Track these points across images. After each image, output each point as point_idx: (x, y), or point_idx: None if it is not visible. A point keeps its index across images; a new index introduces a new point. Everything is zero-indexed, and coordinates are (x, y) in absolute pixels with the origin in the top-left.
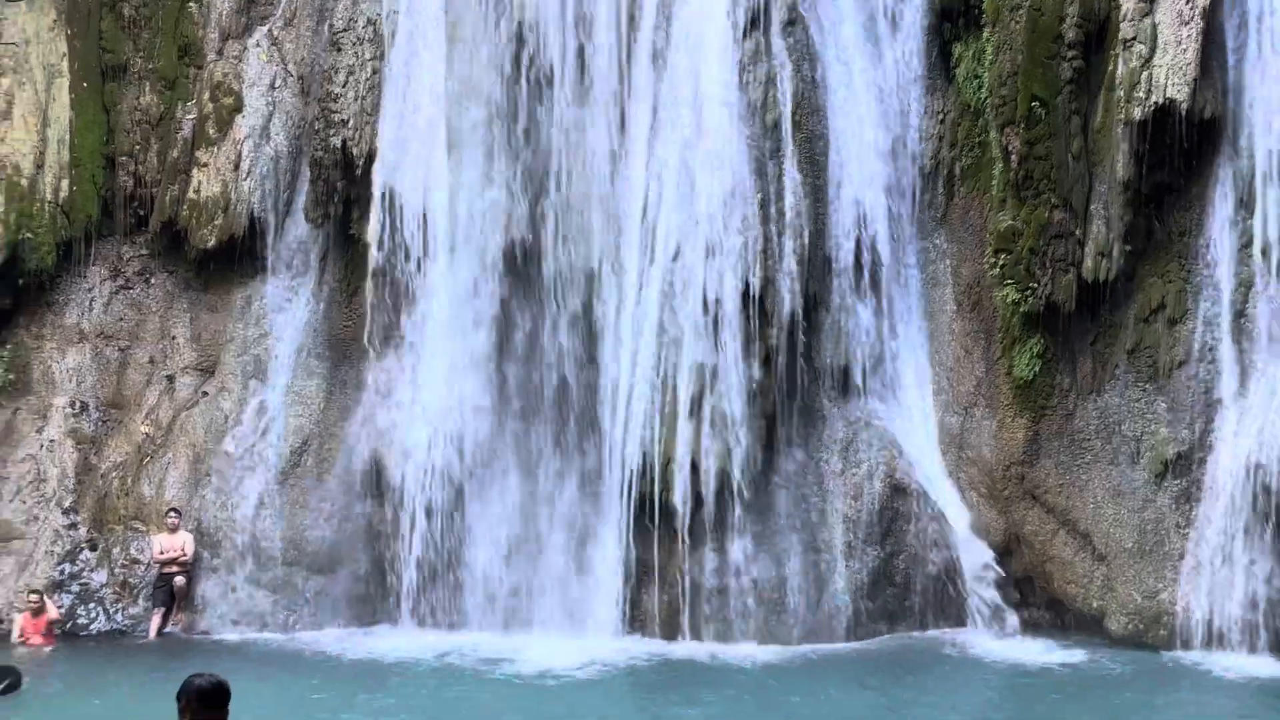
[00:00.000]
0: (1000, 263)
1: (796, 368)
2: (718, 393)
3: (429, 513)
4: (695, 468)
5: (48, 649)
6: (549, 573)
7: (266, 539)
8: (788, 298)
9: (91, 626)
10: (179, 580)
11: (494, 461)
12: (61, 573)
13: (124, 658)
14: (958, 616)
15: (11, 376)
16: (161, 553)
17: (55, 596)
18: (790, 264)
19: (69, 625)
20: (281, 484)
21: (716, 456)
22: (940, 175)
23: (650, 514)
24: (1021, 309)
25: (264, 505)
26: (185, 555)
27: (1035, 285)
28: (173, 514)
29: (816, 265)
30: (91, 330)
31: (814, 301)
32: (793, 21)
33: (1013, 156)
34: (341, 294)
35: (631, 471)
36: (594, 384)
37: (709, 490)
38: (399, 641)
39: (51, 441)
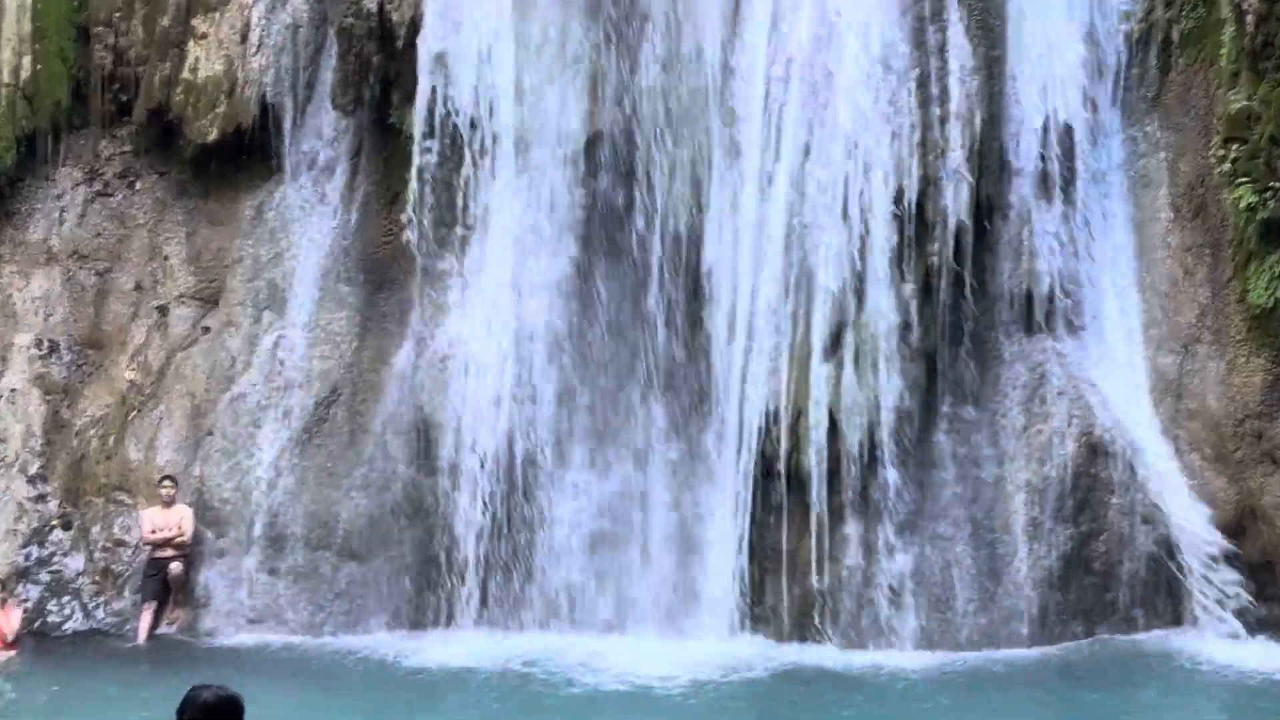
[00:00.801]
0: (1232, 155)
1: (964, 294)
2: (862, 327)
3: (494, 485)
4: (833, 423)
5: (6, 657)
6: (643, 560)
7: (286, 516)
8: (953, 204)
9: (65, 625)
10: (175, 567)
11: (575, 419)
12: (27, 558)
13: (106, 666)
14: (1175, 614)
15: None
16: (153, 532)
17: (20, 589)
18: (957, 159)
19: (37, 624)
20: (304, 445)
21: (860, 409)
22: (1153, 43)
23: (774, 484)
24: (1260, 215)
25: (282, 472)
26: (183, 535)
27: (1278, 184)
28: (167, 483)
29: (991, 162)
30: (62, 249)
31: (987, 209)
32: None
33: (1248, 17)
34: (379, 201)
35: (751, 429)
36: (701, 317)
37: (850, 452)
38: (457, 647)
39: (13, 391)
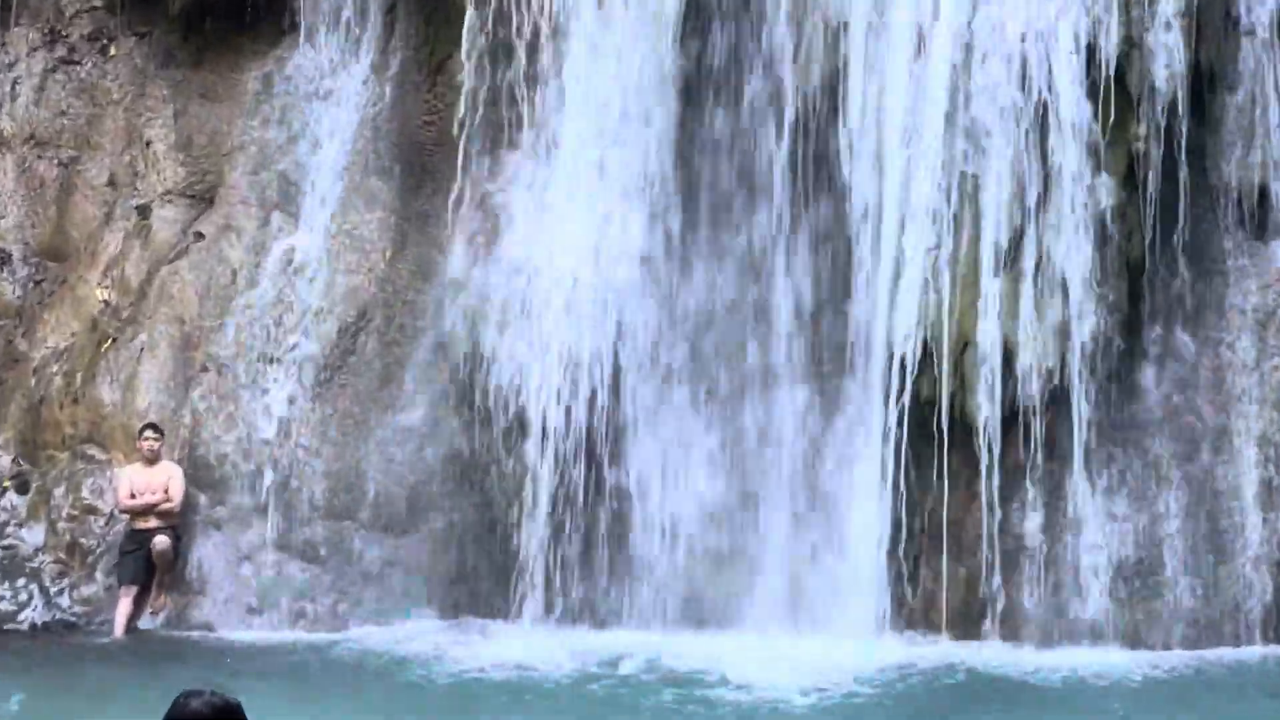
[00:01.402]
0: None
1: (1178, 187)
2: (1044, 231)
3: (569, 439)
4: (1008, 357)
5: None
6: (762, 537)
7: (301, 476)
8: (1164, 71)
9: (21, 616)
10: (160, 541)
11: (675, 353)
12: None
13: (72, 667)
14: None
15: None
16: (132, 496)
17: None
18: (1166, 12)
19: None
20: (324, 386)
21: (1043, 338)
22: None
23: (932, 438)
24: None
25: (296, 421)
26: (170, 501)
27: None
28: (150, 434)
29: (1212, 18)
30: (16, 133)
31: (1208, 78)
32: None
33: None
34: (420, 71)
35: (902, 363)
36: (837, 217)
37: (1031, 394)
38: (520, 645)
39: None
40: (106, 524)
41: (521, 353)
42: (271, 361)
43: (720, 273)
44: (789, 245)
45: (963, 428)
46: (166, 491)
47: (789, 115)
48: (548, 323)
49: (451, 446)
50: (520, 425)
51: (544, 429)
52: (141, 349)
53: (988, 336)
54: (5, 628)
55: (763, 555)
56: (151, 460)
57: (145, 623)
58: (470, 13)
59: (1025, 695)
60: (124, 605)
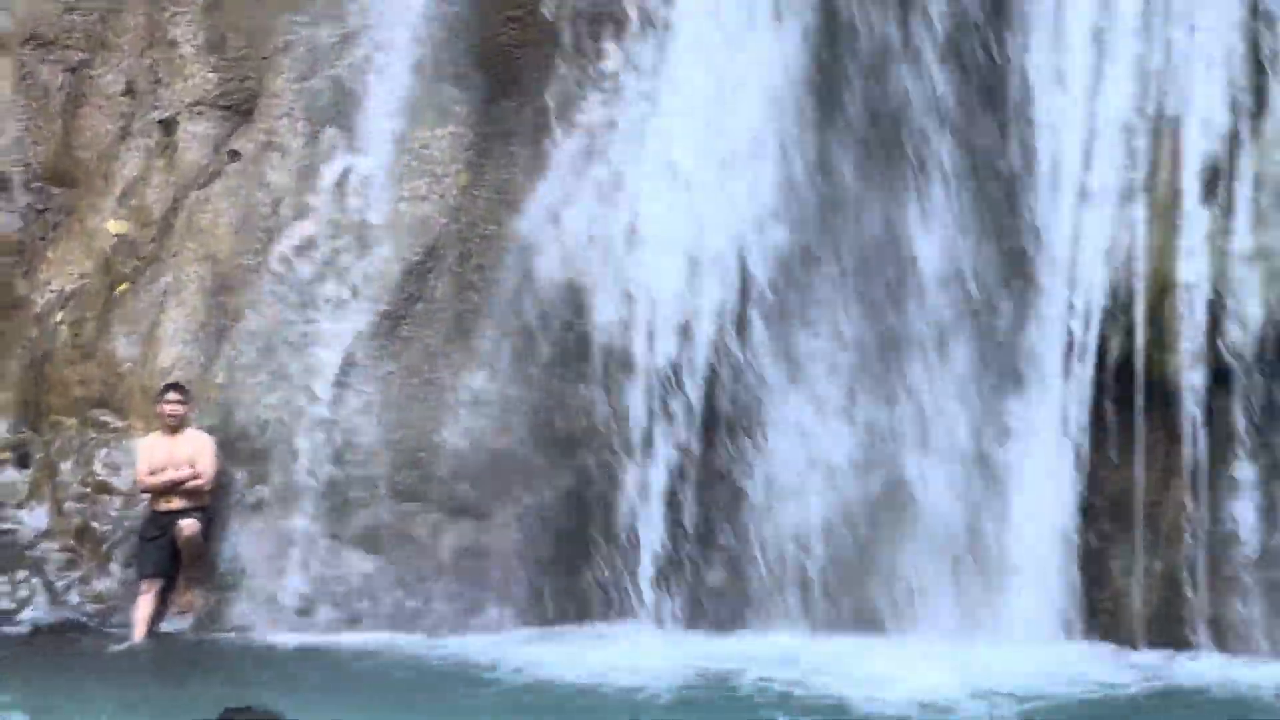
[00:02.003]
0: None
1: None
2: (1264, 151)
3: (689, 406)
4: (1217, 300)
5: None
6: (918, 524)
7: (359, 448)
8: None
9: (22, 615)
10: (188, 526)
11: (816, 305)
12: None
13: (83, 677)
14: None
15: None
16: (153, 473)
17: None
18: None
19: None
20: (387, 338)
21: (1262, 281)
22: None
23: (1122, 405)
24: None
25: (353, 381)
26: (199, 478)
27: None
28: (174, 396)
29: None
30: (16, 32)
31: None
32: None
33: None
34: None
35: (1088, 315)
36: (1007, 143)
37: (1244, 350)
38: (633, 651)
39: None
40: (123, 505)
41: (625, 304)
42: (322, 308)
43: (867, 208)
44: (954, 172)
45: (1161, 391)
46: (194, 467)
47: (948, 26)
48: (660, 268)
49: (542, 414)
50: (624, 391)
51: (655, 392)
52: (165, 293)
53: (1192, 281)
54: (2, 629)
55: (919, 546)
56: (176, 428)
57: (170, 624)
58: None
59: (1238, 714)
60: (144, 603)
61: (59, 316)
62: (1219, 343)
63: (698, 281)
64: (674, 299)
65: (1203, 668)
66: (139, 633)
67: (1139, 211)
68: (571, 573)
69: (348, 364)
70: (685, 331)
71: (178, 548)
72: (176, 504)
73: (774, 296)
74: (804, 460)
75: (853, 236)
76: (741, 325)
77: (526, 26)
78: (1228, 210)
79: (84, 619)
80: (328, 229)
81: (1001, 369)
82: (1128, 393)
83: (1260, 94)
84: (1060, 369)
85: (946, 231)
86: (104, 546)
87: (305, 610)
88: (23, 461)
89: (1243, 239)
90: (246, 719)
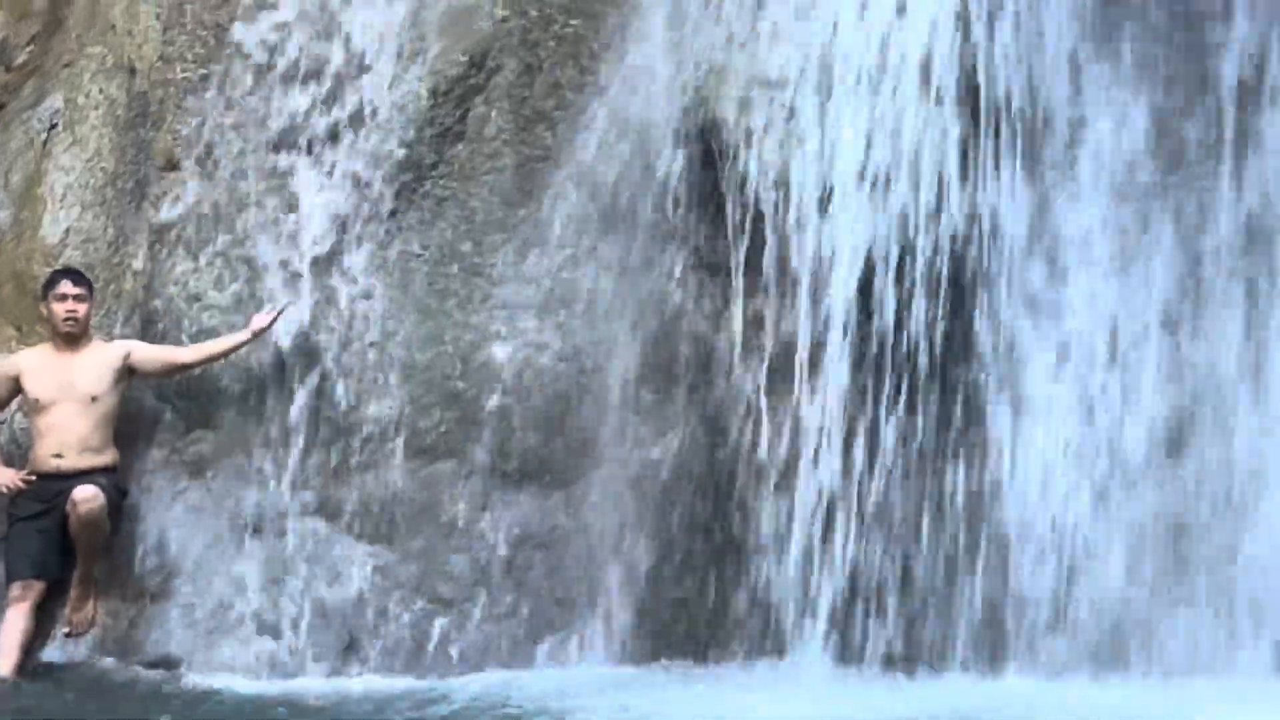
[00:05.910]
0: None
1: None
2: None
3: (874, 369)
4: None
5: None
6: (1202, 537)
7: (360, 375)
8: None
9: None
10: (85, 497)
11: (1056, 253)
12: None
13: None
14: None
15: None
16: (35, 407)
17: None
18: None
19: None
20: (405, 200)
21: None
22: None
23: None
24: None
25: (350, 270)
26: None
27: None
28: (68, 286)
29: None
30: None
31: None
32: None
33: None
34: None
35: None
36: None
37: None
38: (803, 699)
39: None
40: None
41: (796, 183)
42: (301, 151)
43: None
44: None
45: None
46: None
47: None
48: (845, 139)
49: (652, 320)
50: (789, 304)
51: (831, 329)
52: (53, 123)
53: None
54: None
55: (1206, 563)
56: (73, 338)
57: (56, 651)
58: None
59: None
60: (15, 618)
61: None
62: None
63: (901, 189)
64: (865, 215)
65: None
66: (6, 665)
67: None
68: (705, 581)
69: (342, 243)
70: (883, 261)
71: (69, 532)
72: (69, 462)
73: (1010, 225)
74: (1040, 453)
75: (1130, 173)
76: (959, 264)
77: None
78: None
79: None
80: (311, 27)
81: None
82: None
83: None
84: None
85: (1234, 195)
86: None
87: (271, 630)
88: None
89: None
90: None
